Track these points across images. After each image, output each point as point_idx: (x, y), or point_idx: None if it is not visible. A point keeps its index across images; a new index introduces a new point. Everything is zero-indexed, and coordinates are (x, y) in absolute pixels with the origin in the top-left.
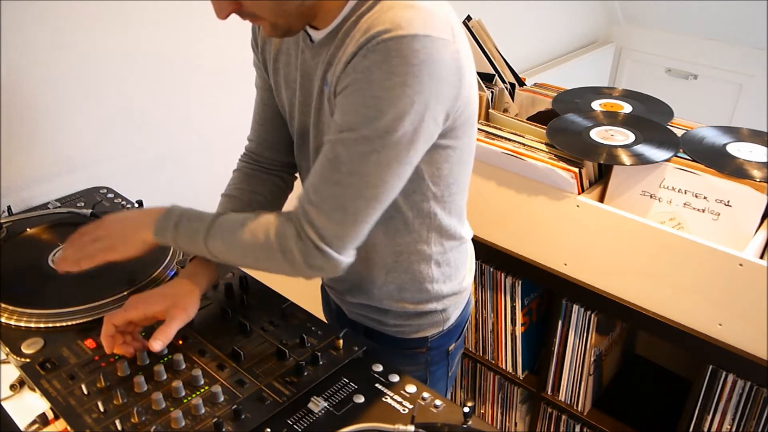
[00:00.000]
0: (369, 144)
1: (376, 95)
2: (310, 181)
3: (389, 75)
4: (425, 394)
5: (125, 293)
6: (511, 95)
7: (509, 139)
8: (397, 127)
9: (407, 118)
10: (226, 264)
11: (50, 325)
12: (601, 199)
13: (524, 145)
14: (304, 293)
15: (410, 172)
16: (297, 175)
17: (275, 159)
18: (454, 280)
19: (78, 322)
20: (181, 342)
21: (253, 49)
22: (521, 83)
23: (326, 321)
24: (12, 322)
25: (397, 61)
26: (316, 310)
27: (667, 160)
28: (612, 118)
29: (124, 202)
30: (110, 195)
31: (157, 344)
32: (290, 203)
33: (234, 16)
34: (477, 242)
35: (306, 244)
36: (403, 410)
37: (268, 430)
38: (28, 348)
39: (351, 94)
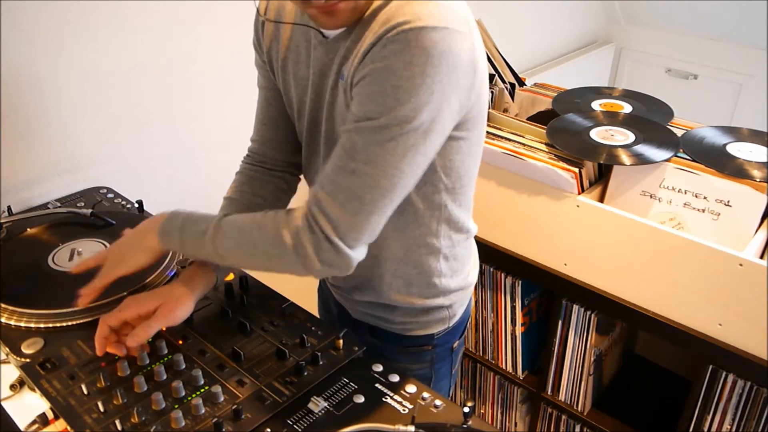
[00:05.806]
0: (386, 133)
1: (395, 84)
2: (325, 172)
3: (409, 65)
4: (425, 394)
5: (125, 294)
6: (511, 95)
7: (509, 139)
8: (415, 116)
9: (426, 108)
10: (232, 267)
11: (50, 325)
12: (601, 199)
13: (524, 145)
14: (304, 293)
15: (426, 164)
16: (301, 177)
17: (279, 158)
18: (460, 274)
19: (78, 322)
20: (181, 342)
21: (255, 49)
22: (521, 83)
23: None
24: (12, 322)
25: (418, 51)
26: (317, 310)
27: (667, 160)
28: (612, 118)
29: (124, 202)
30: (110, 195)
31: (131, 340)
32: (294, 205)
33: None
34: (477, 242)
35: (317, 236)
36: (403, 410)
37: (268, 430)
38: (28, 348)
39: (369, 84)
